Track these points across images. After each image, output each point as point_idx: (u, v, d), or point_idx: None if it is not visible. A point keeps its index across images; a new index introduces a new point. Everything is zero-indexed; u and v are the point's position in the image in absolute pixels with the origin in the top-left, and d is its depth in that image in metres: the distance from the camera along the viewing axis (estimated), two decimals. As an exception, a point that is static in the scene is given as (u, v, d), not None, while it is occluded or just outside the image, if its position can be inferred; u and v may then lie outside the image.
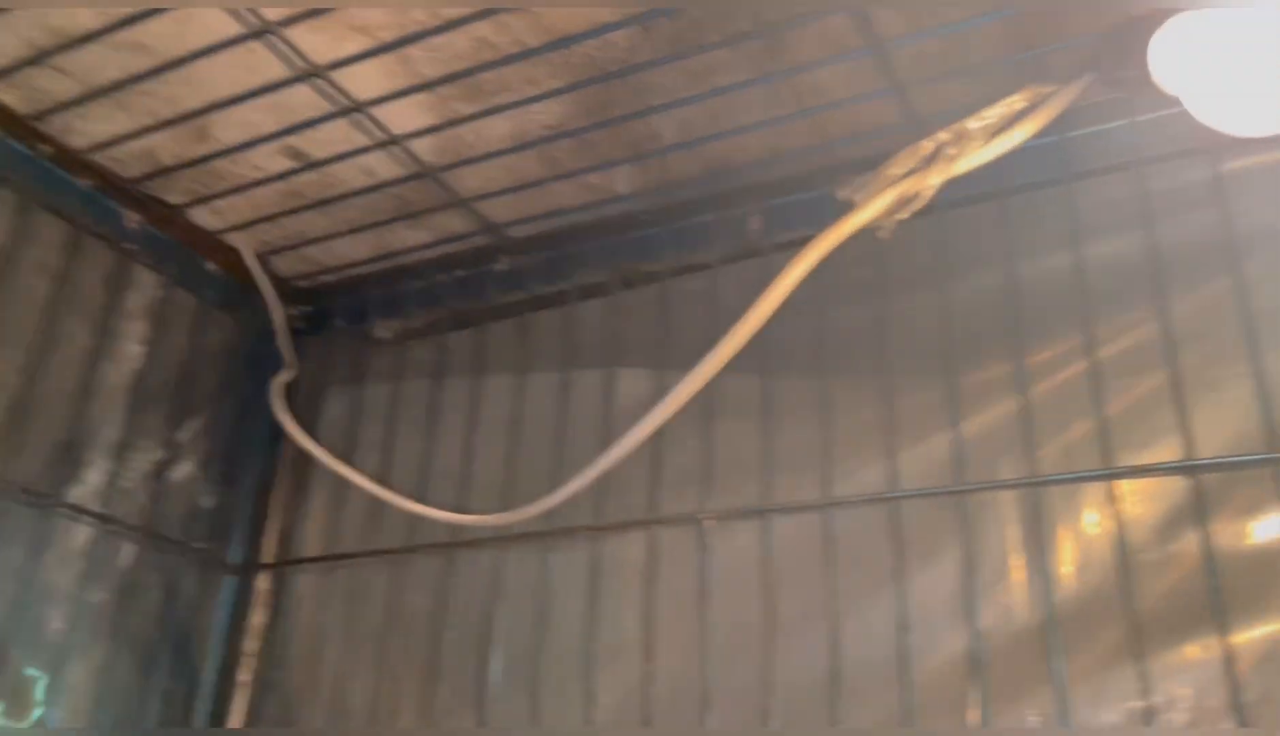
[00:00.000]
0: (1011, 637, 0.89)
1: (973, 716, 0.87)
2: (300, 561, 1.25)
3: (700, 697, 0.97)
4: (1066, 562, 0.89)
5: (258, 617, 1.25)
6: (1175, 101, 0.88)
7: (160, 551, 1.20)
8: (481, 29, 0.92)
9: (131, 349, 1.21)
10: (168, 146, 1.10)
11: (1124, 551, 0.85)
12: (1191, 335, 0.89)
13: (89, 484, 1.14)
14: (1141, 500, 0.88)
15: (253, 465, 1.31)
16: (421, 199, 1.17)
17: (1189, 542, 0.85)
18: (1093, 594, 0.87)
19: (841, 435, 1.01)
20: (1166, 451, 0.88)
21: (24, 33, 0.95)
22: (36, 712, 1.05)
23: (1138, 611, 0.83)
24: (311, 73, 0.98)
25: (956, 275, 1.01)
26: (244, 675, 1.22)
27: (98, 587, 1.13)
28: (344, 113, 1.03)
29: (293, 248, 1.28)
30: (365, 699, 1.14)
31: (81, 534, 1.12)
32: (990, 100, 0.82)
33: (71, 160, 1.12)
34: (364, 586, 1.19)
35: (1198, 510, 0.84)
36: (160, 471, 1.21)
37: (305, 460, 1.28)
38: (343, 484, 1.23)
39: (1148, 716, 0.81)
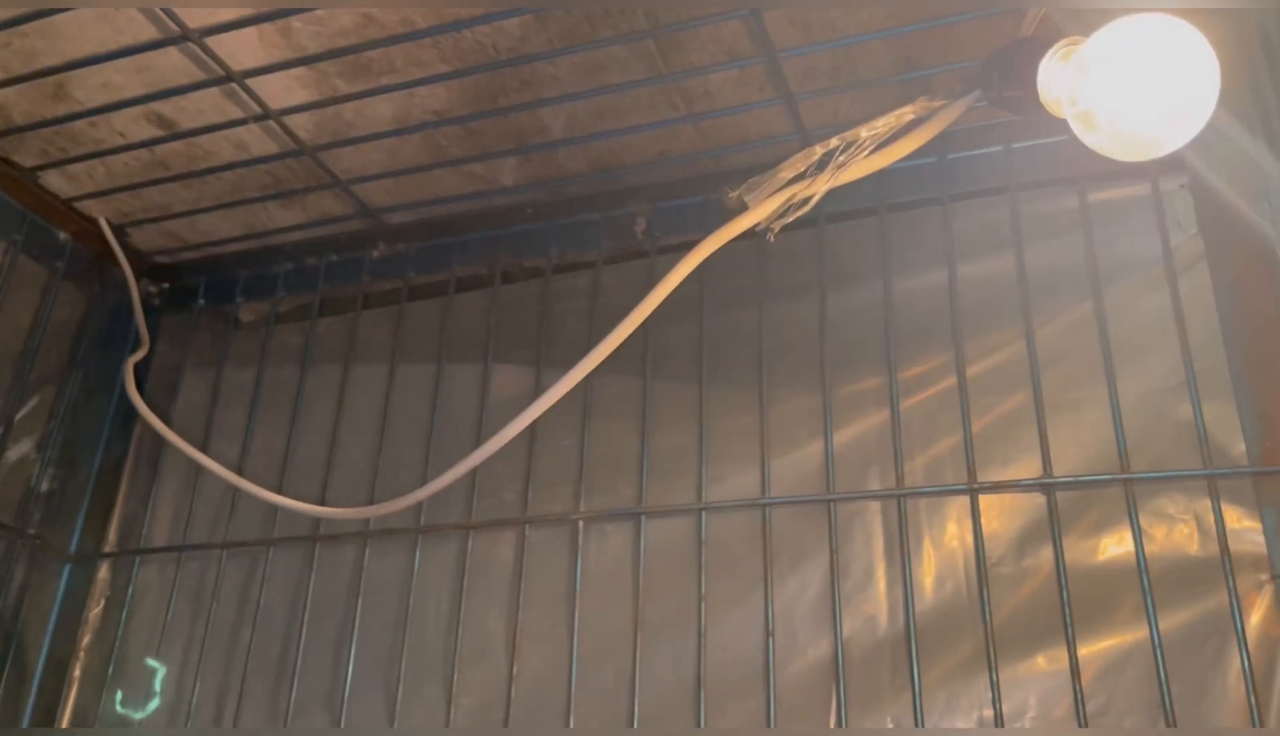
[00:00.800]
0: (873, 645, 0.90)
1: (832, 720, 0.88)
2: (146, 551, 1.18)
3: (563, 699, 0.96)
4: (928, 573, 0.91)
5: (95, 609, 1.18)
6: (1049, 131, 0.92)
7: (-10, 536, 1.12)
8: (368, 5, 0.89)
9: (-33, 318, 1.12)
10: (19, 103, 1.03)
11: (982, 564, 0.88)
12: (1054, 357, 0.93)
13: (-88, 461, 1.05)
14: (1000, 515, 0.91)
15: (99, 448, 1.24)
16: (296, 177, 1.12)
17: (1043, 557, 0.88)
18: (951, 604, 0.89)
19: (717, 440, 1.01)
20: (1025, 468, 0.91)
21: None
22: None
23: (992, 622, 0.86)
24: (183, 36, 0.93)
25: (836, 287, 1.03)
26: (76, 670, 1.15)
27: (-83, 573, 1.04)
28: (217, 82, 0.98)
29: (154, 220, 1.21)
30: (210, 696, 1.09)
31: (-99, 515, 1.04)
32: (877, 116, 0.83)
33: (-92, 110, 1.03)
34: (215, 579, 1.13)
35: (1052, 526, 0.87)
36: (-6, 449, 1.13)
37: (157, 444, 1.22)
38: (197, 471, 1.17)
39: (996, 723, 0.83)
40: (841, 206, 1.05)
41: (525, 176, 1.11)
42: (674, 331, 1.06)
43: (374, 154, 1.08)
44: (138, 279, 1.26)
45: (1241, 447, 0.85)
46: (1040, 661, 0.86)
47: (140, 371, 1.25)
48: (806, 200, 0.74)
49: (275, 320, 1.25)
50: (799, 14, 0.89)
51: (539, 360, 1.09)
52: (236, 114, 1.03)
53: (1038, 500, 0.89)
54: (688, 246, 1.08)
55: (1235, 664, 0.80)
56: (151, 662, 1.12)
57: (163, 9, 0.89)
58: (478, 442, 1.04)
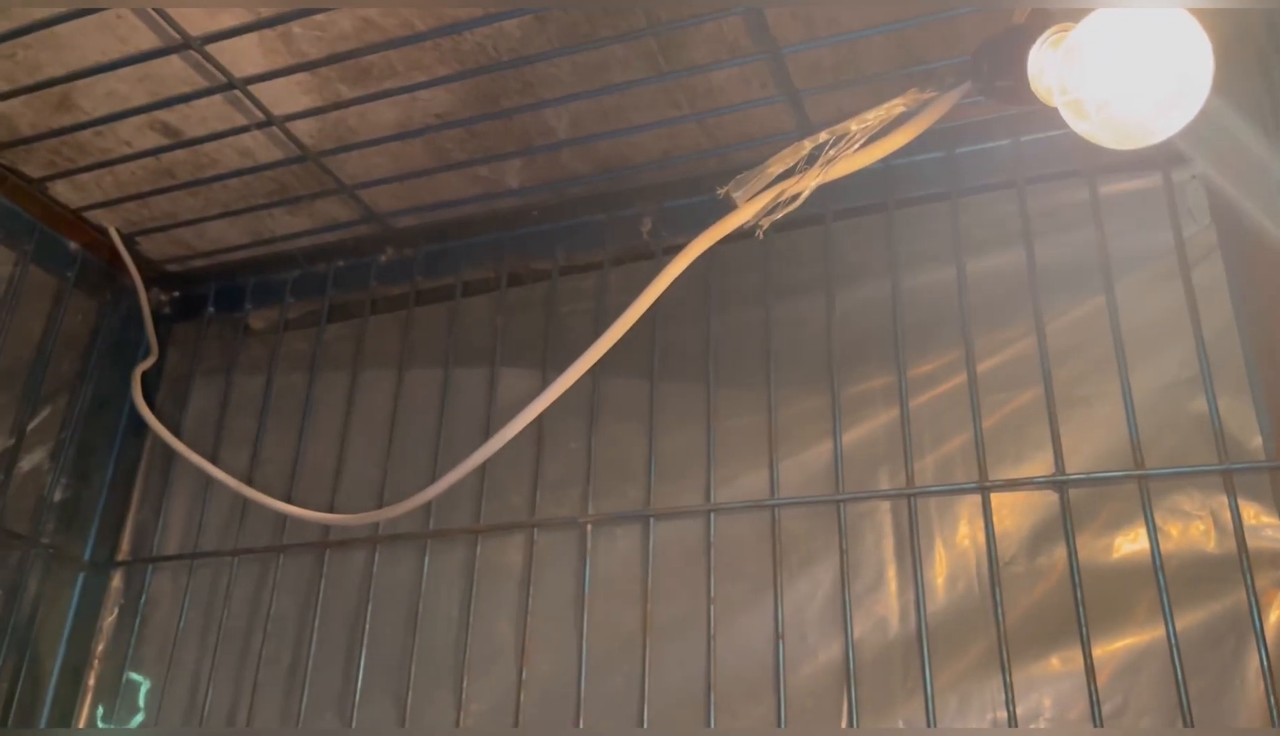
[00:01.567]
0: (884, 646, 0.89)
1: (844, 723, 0.87)
2: (158, 559, 1.19)
3: (573, 703, 0.95)
4: (940, 573, 0.90)
5: (109, 617, 1.18)
6: (1059, 123, 0.91)
7: (4, 546, 1.12)
8: (367, 10, 0.88)
9: (-21, 329, 1.13)
10: (26, 114, 1.03)
11: (994, 563, 0.87)
12: (1065, 352, 0.91)
13: (-75, 471, 1.06)
14: (1012, 513, 0.89)
15: (111, 457, 1.24)
16: (301, 183, 1.12)
17: (1056, 556, 0.87)
18: (963, 604, 0.88)
19: (725, 441, 1.01)
20: (1038, 466, 0.89)
21: None
22: None
23: (1005, 623, 0.85)
24: (185, 44, 0.93)
25: (843, 285, 1.02)
26: (91, 679, 1.15)
27: (-69, 583, 1.05)
28: (220, 89, 0.98)
29: (162, 229, 1.21)
30: (223, 702, 1.09)
31: (-86, 525, 1.05)
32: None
33: (-83, 123, 1.04)
34: (227, 586, 1.13)
35: (1065, 524, 0.86)
36: (6, 461, 1.13)
37: (168, 452, 1.22)
38: (207, 478, 1.17)
39: (1010, 724, 0.82)
40: (848, 203, 1.04)
41: (530, 178, 1.10)
42: (680, 332, 1.05)
43: (378, 158, 1.08)
44: (147, 287, 1.26)
45: (1258, 441, 0.84)
46: (1054, 662, 0.84)
47: (151, 379, 1.26)
48: (796, 196, 0.73)
49: (284, 327, 1.25)
50: (801, 10, 0.88)
51: (545, 362, 1.09)
52: (240, 121, 1.03)
53: (1050, 498, 0.88)
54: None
55: (1254, 662, 0.79)
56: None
57: (155, 9, 0.89)
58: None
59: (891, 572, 0.91)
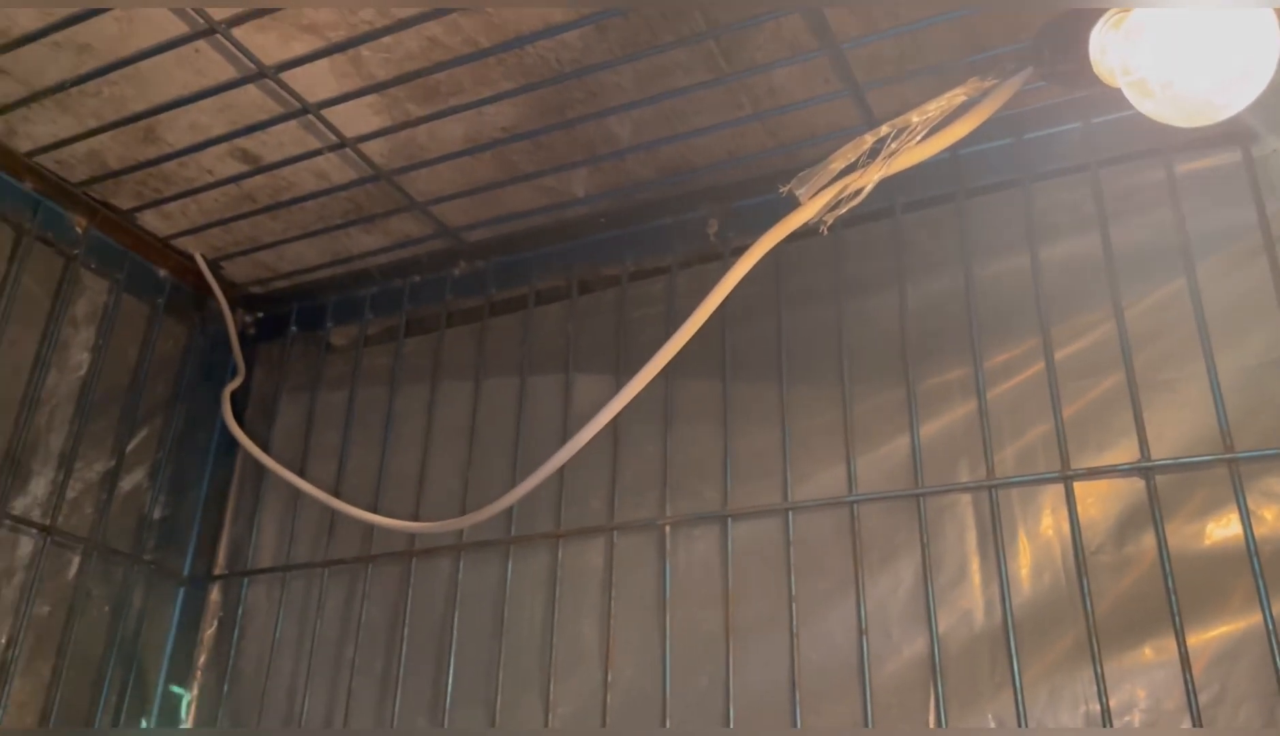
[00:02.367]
0: (969, 640, 0.88)
1: (931, 719, 0.86)
2: (253, 572, 1.23)
3: (658, 705, 0.96)
4: (1024, 565, 0.88)
5: (209, 630, 1.22)
6: (1130, 103, 0.89)
7: (108, 563, 1.17)
8: (432, 29, 0.91)
9: (79, 357, 1.18)
10: (114, 149, 1.08)
11: (1081, 553, 0.85)
12: (1146, 336, 0.89)
13: (34, 494, 1.11)
14: (1098, 502, 0.88)
15: (205, 474, 1.29)
16: (375, 202, 1.15)
17: (1145, 544, 0.85)
18: (1050, 596, 0.87)
19: (801, 439, 1.01)
20: (1122, 453, 0.88)
21: (-38, 31, 0.93)
22: (-23, 730, 1.02)
23: (1094, 613, 0.83)
24: (260, 73, 0.96)
25: (915, 277, 1.01)
26: (195, 689, 1.20)
27: (43, 601, 1.10)
28: (294, 114, 1.02)
29: (245, 253, 1.26)
30: (320, 711, 1.12)
31: (26, 546, 1.09)
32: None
33: (16, 163, 1.09)
34: (319, 596, 1.16)
35: (1153, 511, 0.84)
36: (108, 481, 1.18)
37: (259, 468, 1.26)
38: (297, 492, 1.21)
39: (1103, 719, 0.80)
40: (917, 194, 1.03)
41: (597, 186, 1.12)
42: (751, 331, 1.06)
43: (449, 174, 1.10)
44: (233, 310, 1.31)
45: (1354, 420, 0.81)
46: (1147, 652, 0.82)
47: (240, 398, 1.30)
48: (859, 191, 0.73)
49: (364, 342, 1.29)
50: (859, 4, 0.88)
51: (618, 367, 1.10)
52: (315, 144, 1.06)
53: (1136, 485, 0.86)
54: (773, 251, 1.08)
55: (1359, 648, 0.76)
56: (258, 679, 1.16)
57: (236, 46, 0.92)
58: (562, 452, 1.05)
59: (975, 565, 0.90)
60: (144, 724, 1.17)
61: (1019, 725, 0.83)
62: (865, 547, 0.94)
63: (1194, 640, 0.80)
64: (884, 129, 0.71)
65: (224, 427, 1.27)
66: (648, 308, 1.13)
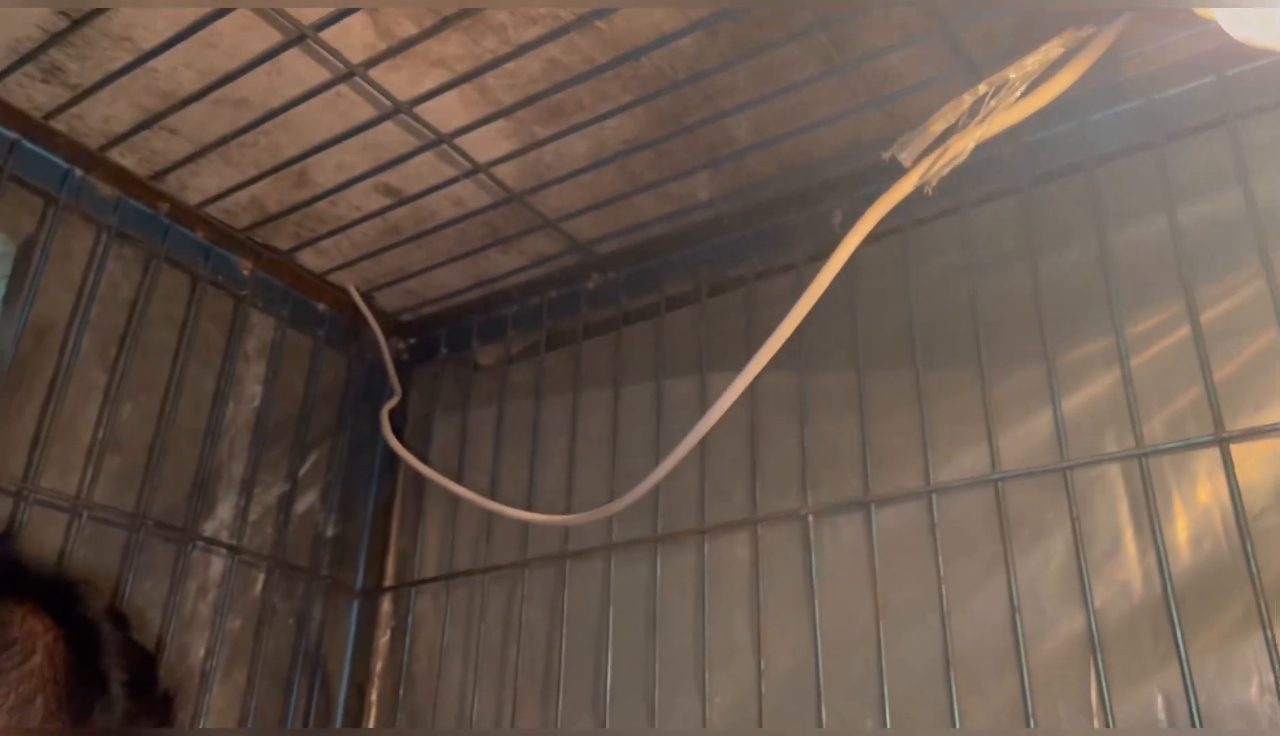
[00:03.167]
0: (1129, 614, 0.86)
1: (1094, 696, 0.85)
2: (419, 582, 1.30)
3: (813, 693, 0.97)
4: (1182, 533, 0.86)
5: (383, 638, 1.30)
6: (1263, 54, 0.86)
7: (289, 579, 1.26)
8: (551, 50, 0.95)
9: (252, 389, 1.28)
10: (272, 194, 1.17)
11: (1243, 518, 0.82)
12: (1298, 289, 0.86)
13: (220, 518, 1.20)
14: (1258, 463, 0.84)
15: (371, 492, 1.37)
16: (510, 223, 1.21)
17: (1314, 504, 0.81)
18: (1212, 564, 0.84)
19: (940, 421, 1.00)
20: (1281, 412, 0.84)
21: (136, 99, 1.02)
22: None
23: (1261, 579, 0.80)
24: (396, 110, 1.03)
25: (1047, 251, 0.99)
26: (373, 694, 1.27)
27: (234, 615, 1.19)
28: (430, 146, 1.08)
29: (394, 282, 1.33)
30: (488, 712, 1.18)
31: (217, 565, 1.19)
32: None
33: (188, 214, 1.19)
34: (480, 602, 1.22)
35: (1319, 469, 0.80)
36: (285, 503, 1.27)
37: (419, 484, 1.33)
38: (455, 504, 1.27)
39: (1275, 688, 0.77)
40: (1044, 167, 1.02)
41: (720, 188, 1.14)
42: (882, 318, 1.06)
43: (576, 190, 1.15)
44: (387, 337, 1.39)
45: None
46: (1322, 617, 0.79)
47: (398, 421, 1.37)
48: (962, 150, 0.73)
49: (509, 360, 1.34)
50: (969, -20, 0.88)
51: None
52: (451, 173, 1.12)
53: (1299, 444, 0.83)
54: (889, 233, 1.09)
55: None
56: (430, 684, 1.22)
57: (373, 86, 0.99)
58: (702, 450, 1.08)
59: (1129, 536, 0.88)
60: (333, 726, 1.25)
61: (1187, 697, 0.80)
62: (1013, 525, 0.93)
63: (1374, 602, 0.76)
64: (981, 88, 0.71)
65: (386, 448, 1.34)
66: (777, 305, 1.14)
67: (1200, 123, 0.95)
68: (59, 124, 1.06)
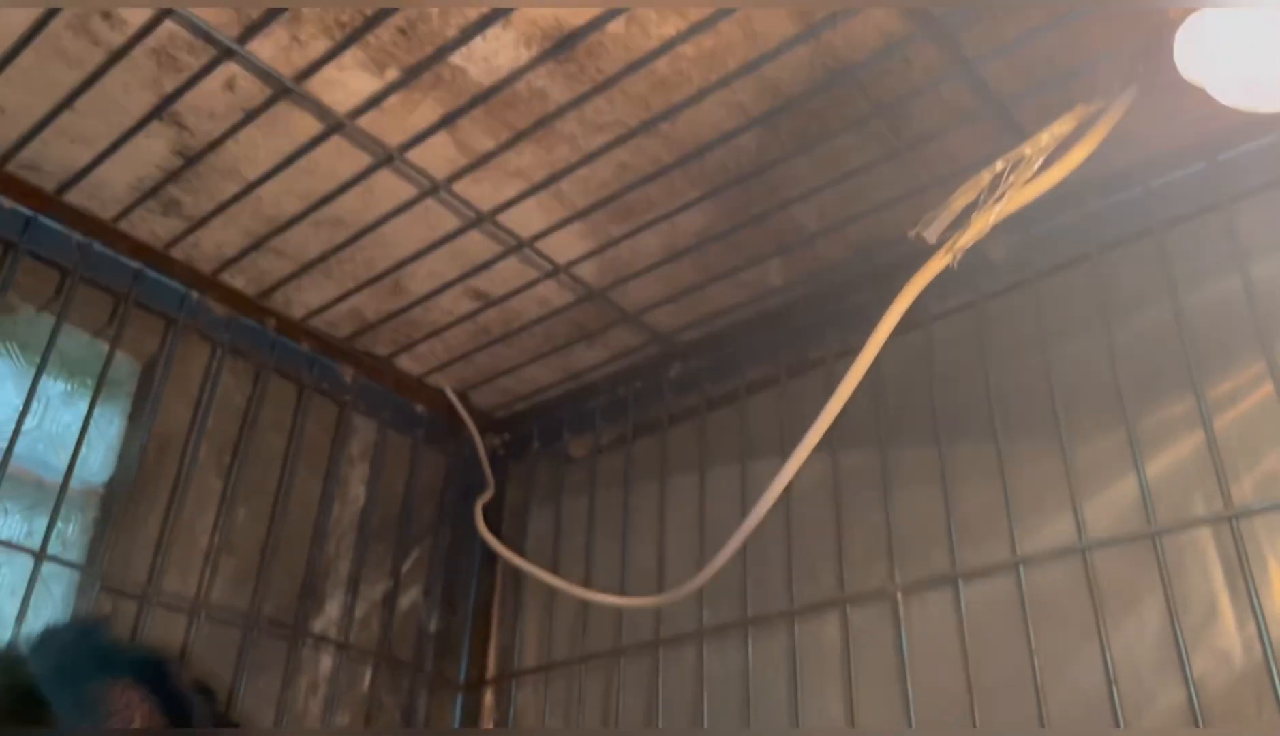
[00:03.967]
0: (1231, 683, 0.83)
1: (1199, 771, 0.82)
2: (519, 673, 1.32)
3: (910, 774, 0.96)
4: (1279, 596, 0.83)
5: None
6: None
7: (395, 674, 1.30)
8: (620, 154, 1.01)
9: (356, 490, 1.34)
10: (370, 304, 1.24)
11: (1343, 578, 0.80)
12: (1381, 340, 0.84)
13: (329, 615, 1.26)
14: (1355, 521, 0.82)
15: (471, 586, 1.41)
16: (593, 319, 1.26)
17: None
18: (1314, 626, 0.81)
19: (1023, 492, 1.00)
20: (1376, 466, 0.82)
21: (244, 225, 1.11)
22: (297, 828, 1.15)
23: (1367, 641, 0.77)
24: (480, 219, 1.09)
25: (1121, 316, 0.99)
26: (479, 786, 1.29)
27: (342, 711, 1.23)
28: (513, 250, 1.14)
29: (487, 381, 1.39)
30: (589, 802, 1.19)
31: (326, 662, 1.24)
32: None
33: (293, 328, 1.28)
34: (579, 691, 1.24)
35: None
36: (389, 600, 1.32)
37: (518, 577, 1.37)
38: (552, 595, 1.30)
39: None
40: (1112, 235, 1.02)
41: (792, 273, 1.17)
42: (960, 392, 1.07)
43: (653, 283, 1.19)
44: (482, 434, 1.44)
45: None
46: None
47: (495, 514, 1.42)
48: (984, 224, 0.74)
49: (599, 451, 1.38)
50: (1017, 60, 0.90)
51: (832, 443, 1.12)
52: (533, 274, 1.18)
53: (1398, 499, 0.80)
54: (965, 308, 1.10)
55: None
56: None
57: (457, 199, 1.06)
58: (788, 531, 1.09)
59: (1224, 602, 0.85)
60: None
61: (1297, 768, 0.77)
62: (1104, 594, 0.91)
63: None
64: (999, 164, 0.73)
65: (483, 543, 1.38)
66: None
67: (1270, 179, 0.95)
68: (177, 252, 1.15)
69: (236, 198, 1.07)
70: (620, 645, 1.23)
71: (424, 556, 1.40)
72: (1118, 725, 0.86)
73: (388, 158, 1.02)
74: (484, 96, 0.95)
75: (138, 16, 0.88)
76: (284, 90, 0.94)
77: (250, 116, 0.97)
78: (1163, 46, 0.66)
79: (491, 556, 1.40)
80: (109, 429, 1.13)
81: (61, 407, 1.09)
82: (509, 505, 1.45)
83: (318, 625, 1.24)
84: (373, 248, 1.15)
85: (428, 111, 0.97)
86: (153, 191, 1.06)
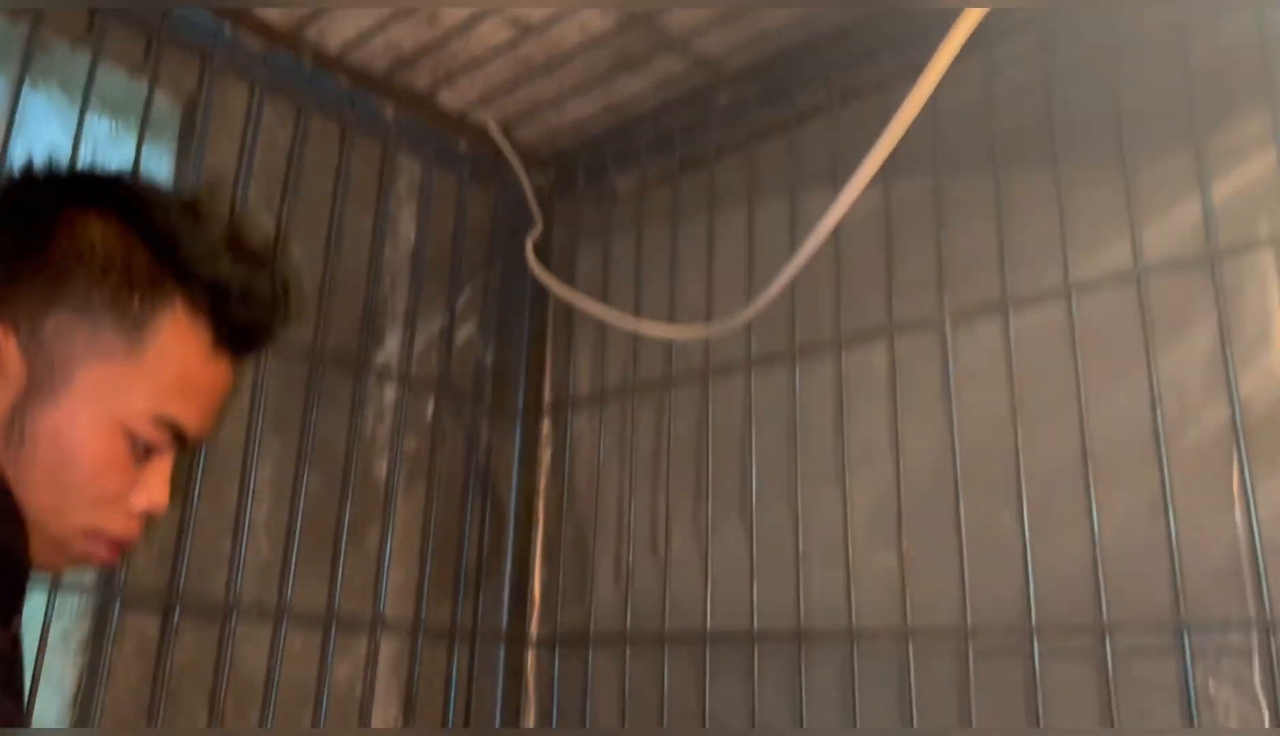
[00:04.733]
0: (1275, 403, 0.84)
1: (1235, 485, 0.84)
2: (574, 402, 1.37)
3: (951, 491, 1.00)
4: (1336, 317, 0.82)
5: (546, 454, 1.39)
6: None
7: (456, 403, 1.35)
8: None
9: (406, 228, 1.35)
10: (406, 36, 1.20)
11: (1405, 298, 0.78)
12: None
13: (389, 349, 1.30)
14: None
15: (524, 320, 1.44)
16: (637, 46, 1.21)
17: None
18: (1368, 348, 0.81)
19: (1079, 218, 0.98)
20: None
21: (271, -47, 1.07)
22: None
23: None
24: (515, -61, 1.03)
25: (1197, 31, 0.93)
26: (540, 505, 1.37)
27: (410, 437, 1.30)
28: (559, -27, 1.08)
29: (530, 115, 1.36)
30: (644, 520, 1.26)
31: (389, 392, 1.29)
32: None
33: (331, 62, 1.24)
34: (631, 419, 1.29)
35: None
36: (446, 334, 1.36)
37: (569, 311, 1.39)
38: (604, 327, 1.33)
39: None
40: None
41: (847, -9, 1.11)
42: (1018, 116, 1.03)
43: (699, 6, 1.13)
44: (527, 172, 1.42)
45: None
46: None
47: (544, 254, 1.43)
48: None
49: (645, 186, 1.37)
50: None
51: (887, 174, 1.10)
52: (573, -1, 1.13)
53: None
54: (1030, 23, 1.04)
55: None
56: (590, 496, 1.31)
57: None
58: (836, 260, 1.09)
59: (1278, 324, 0.85)
60: (504, 538, 1.36)
61: (1334, 482, 0.79)
62: (1155, 319, 0.91)
63: None
64: None
65: (534, 278, 1.40)
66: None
67: None
68: (205, -17, 1.11)
69: (261, -77, 1.02)
70: (670, 375, 1.26)
71: (476, 293, 1.42)
72: (1159, 444, 0.88)
73: (415, -128, 0.95)
74: None
75: None
76: None
77: None
78: None
79: (543, 292, 1.42)
80: (158, 169, 1.14)
81: (109, 147, 1.09)
82: (556, 244, 1.46)
83: (379, 358, 1.28)
84: (405, -26, 1.10)
85: None
86: (173, -82, 1.02)
